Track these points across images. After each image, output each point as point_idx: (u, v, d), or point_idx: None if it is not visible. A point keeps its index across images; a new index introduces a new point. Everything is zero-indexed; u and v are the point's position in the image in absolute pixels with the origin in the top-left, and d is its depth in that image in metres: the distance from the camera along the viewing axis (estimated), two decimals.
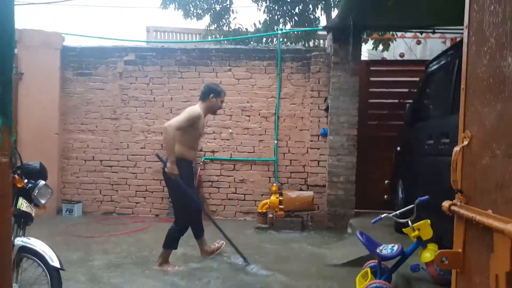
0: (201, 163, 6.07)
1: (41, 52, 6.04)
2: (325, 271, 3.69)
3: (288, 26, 9.79)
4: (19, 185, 2.50)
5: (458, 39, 6.02)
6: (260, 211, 5.34)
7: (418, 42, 6.93)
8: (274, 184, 5.63)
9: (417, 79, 5.53)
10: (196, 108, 3.78)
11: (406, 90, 5.84)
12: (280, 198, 5.30)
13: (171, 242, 3.68)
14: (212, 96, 3.82)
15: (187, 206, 3.69)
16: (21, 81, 6.00)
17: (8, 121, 1.40)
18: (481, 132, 0.86)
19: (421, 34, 6.11)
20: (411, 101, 4.96)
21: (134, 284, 3.27)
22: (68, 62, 6.31)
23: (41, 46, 6.03)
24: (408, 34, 6.85)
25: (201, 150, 6.12)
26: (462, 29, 0.99)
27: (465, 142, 0.91)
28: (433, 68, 4.07)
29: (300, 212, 5.37)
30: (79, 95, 6.33)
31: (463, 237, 0.93)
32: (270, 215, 5.33)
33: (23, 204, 2.49)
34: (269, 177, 6.03)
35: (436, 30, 5.54)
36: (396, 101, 5.81)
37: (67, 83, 6.33)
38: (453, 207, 0.93)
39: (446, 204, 0.96)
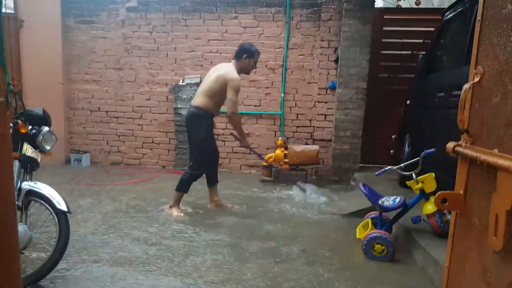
0: None
1: None
2: (326, 221, 3.76)
3: None
4: (23, 131, 2.51)
5: None
6: (265, 164, 5.37)
7: None
8: (280, 138, 5.61)
9: (433, 29, 5.28)
10: (234, 73, 3.77)
11: (421, 40, 5.59)
12: (285, 151, 5.31)
13: (183, 185, 3.82)
14: (245, 56, 3.81)
15: (203, 153, 3.83)
16: (22, 28, 5.87)
17: (1, 58, 1.35)
18: (494, 67, 0.80)
19: None
20: (424, 52, 4.78)
21: (139, 229, 3.37)
22: (69, 9, 6.11)
23: None
24: None
25: None
26: None
27: (476, 79, 0.85)
28: (449, 16, 3.86)
29: (305, 166, 5.39)
30: (82, 44, 6.20)
31: (466, 178, 0.89)
32: (275, 169, 5.36)
33: (28, 150, 2.51)
34: (275, 131, 6.00)
35: None
36: (409, 52, 5.59)
37: (69, 31, 6.18)
38: (457, 148, 0.89)
39: (450, 145, 0.92)
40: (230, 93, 3.67)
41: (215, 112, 3.88)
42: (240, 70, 3.86)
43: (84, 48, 6.20)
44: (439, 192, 0.91)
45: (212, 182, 4.10)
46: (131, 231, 3.31)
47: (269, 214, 3.94)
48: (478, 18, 0.87)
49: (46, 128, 2.62)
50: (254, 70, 4.16)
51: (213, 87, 3.74)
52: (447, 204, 0.92)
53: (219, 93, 3.73)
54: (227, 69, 3.80)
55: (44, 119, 2.71)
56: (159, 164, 6.32)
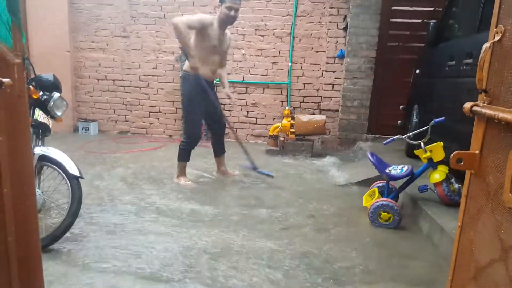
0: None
1: None
2: (332, 190, 3.81)
3: None
4: (34, 96, 2.52)
5: None
6: (271, 134, 5.39)
7: None
8: (286, 108, 5.60)
9: None
10: (202, 14, 3.54)
11: (432, 8, 5.45)
12: (292, 121, 5.31)
13: (181, 155, 3.86)
14: (218, 5, 3.58)
15: (192, 120, 3.76)
16: None
17: (17, 19, 1.35)
18: None
19: None
20: (435, 21, 4.67)
21: (148, 194, 3.44)
22: None
23: None
24: None
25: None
26: None
27: (497, 38, 0.85)
28: None
29: (311, 136, 5.40)
30: (88, 11, 6.11)
31: (482, 138, 0.91)
32: (281, 139, 5.38)
33: (40, 115, 2.53)
34: (282, 101, 5.98)
35: None
36: (420, 20, 5.46)
37: None
38: (474, 108, 0.90)
39: (467, 105, 0.92)
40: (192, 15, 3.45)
41: (202, 70, 3.58)
42: (220, 21, 3.56)
43: (90, 15, 6.12)
44: (454, 152, 0.93)
45: (218, 153, 4.15)
46: (143, 199, 3.39)
47: (277, 181, 4.00)
48: None
49: (57, 94, 2.64)
50: (231, 18, 3.58)
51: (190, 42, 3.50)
52: (462, 163, 0.94)
53: (197, 40, 3.51)
54: None
55: (55, 85, 2.71)
56: (165, 134, 6.36)
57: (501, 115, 0.78)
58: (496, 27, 0.87)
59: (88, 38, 6.21)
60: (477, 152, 0.93)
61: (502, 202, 0.82)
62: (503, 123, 0.80)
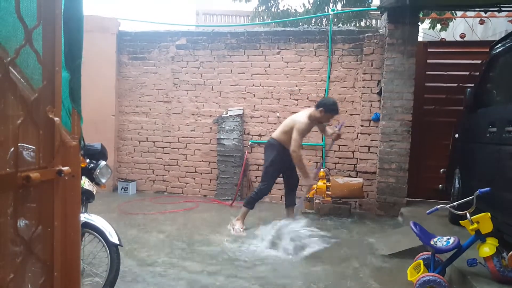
0: (248, 147, 6.13)
1: (99, 37, 6.31)
2: (374, 261, 3.62)
3: (339, 6, 9.48)
4: (82, 165, 2.66)
5: None
6: (307, 196, 5.32)
7: (482, 22, 6.39)
8: (322, 170, 5.56)
9: (478, 61, 5.14)
10: (303, 117, 4.30)
11: (467, 73, 5.45)
12: (328, 184, 5.24)
13: (249, 202, 4.43)
14: (321, 110, 4.27)
15: (268, 174, 4.41)
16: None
17: (78, 106, 1.49)
18: None
19: (485, 13, 5.64)
20: (471, 85, 4.64)
21: (183, 259, 3.41)
22: (124, 46, 6.56)
23: (98, 31, 6.29)
24: (470, 13, 6.34)
25: (248, 134, 6.18)
26: None
27: None
28: (499, 49, 3.76)
29: (348, 199, 5.28)
30: (134, 79, 6.58)
31: None
32: (317, 201, 5.29)
33: (85, 183, 2.65)
34: (317, 162, 5.96)
35: (502, 8, 5.09)
36: (455, 84, 5.45)
37: (123, 67, 6.60)
38: None
39: None
40: (294, 133, 4.20)
41: (287, 145, 4.31)
42: (314, 119, 4.32)
43: (135, 82, 6.58)
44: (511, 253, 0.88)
45: (288, 203, 4.63)
46: (179, 262, 3.36)
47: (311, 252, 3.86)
48: None
49: (103, 163, 2.77)
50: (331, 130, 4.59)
51: (286, 125, 4.39)
52: None
53: (290, 132, 4.28)
54: (300, 114, 4.43)
55: (102, 153, 2.86)
56: (200, 193, 6.43)
57: None
58: None
59: (132, 103, 6.62)
60: None
61: None
62: None
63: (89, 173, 2.71)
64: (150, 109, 6.55)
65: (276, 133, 4.50)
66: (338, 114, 4.68)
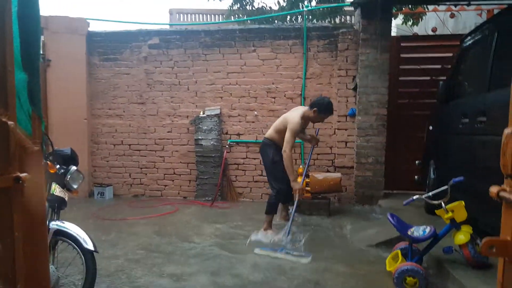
0: (227, 146, 6.09)
1: (67, 38, 6.12)
2: (353, 253, 3.65)
3: (313, 3, 9.53)
4: (51, 171, 2.56)
5: (495, 11, 5.67)
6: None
7: (452, 16, 6.57)
8: (300, 166, 5.57)
9: (450, 54, 5.26)
10: (296, 117, 4.15)
11: (439, 66, 5.57)
12: (307, 180, 5.25)
13: (270, 208, 4.29)
14: (315, 110, 4.18)
15: (274, 175, 4.29)
16: (49, 67, 6.14)
17: (37, 109, 1.41)
18: None
19: (455, 7, 5.78)
20: (444, 78, 4.74)
21: (168, 264, 3.35)
22: (94, 47, 6.38)
23: (67, 32, 6.11)
24: (441, 7, 6.50)
25: (226, 133, 6.13)
26: None
27: None
28: (468, 42, 3.85)
29: (327, 194, 5.31)
30: (106, 80, 6.42)
31: None
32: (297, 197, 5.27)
33: (56, 189, 2.55)
34: (295, 159, 5.96)
35: (471, 2, 5.23)
36: (428, 78, 5.56)
37: (94, 69, 6.42)
38: (502, 193, 0.86)
39: (494, 190, 0.89)
40: (287, 133, 4.12)
41: (280, 143, 4.24)
42: (307, 118, 4.26)
43: (108, 84, 6.42)
44: (486, 239, 0.88)
45: (283, 201, 4.57)
46: (158, 268, 3.29)
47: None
48: None
49: (74, 168, 2.67)
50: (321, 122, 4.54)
51: (279, 124, 4.33)
52: (494, 250, 0.88)
53: (283, 130, 4.21)
54: (293, 113, 4.29)
55: (72, 158, 2.76)
56: (180, 195, 6.34)
57: None
58: None
59: (105, 106, 6.45)
60: (508, 238, 0.88)
61: None
62: None
63: (59, 179, 2.61)
64: (124, 111, 6.41)
65: (269, 133, 4.45)
66: (332, 115, 4.60)
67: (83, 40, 6.23)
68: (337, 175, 5.27)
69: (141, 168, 6.42)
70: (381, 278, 3.07)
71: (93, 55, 6.39)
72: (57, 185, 2.57)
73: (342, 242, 4.01)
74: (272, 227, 4.27)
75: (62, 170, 2.62)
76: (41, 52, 6.15)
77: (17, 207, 1.11)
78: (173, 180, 6.37)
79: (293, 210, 4.19)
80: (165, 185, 6.40)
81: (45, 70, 6.11)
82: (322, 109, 4.16)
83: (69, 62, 6.16)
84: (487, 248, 0.88)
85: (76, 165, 2.74)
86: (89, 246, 2.43)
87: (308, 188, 5.20)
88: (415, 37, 6.15)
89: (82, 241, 2.43)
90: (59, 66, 6.14)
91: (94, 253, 2.45)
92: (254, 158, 6.06)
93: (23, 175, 1.09)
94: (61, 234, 2.46)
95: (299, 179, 5.25)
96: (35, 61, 1.38)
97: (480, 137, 3.05)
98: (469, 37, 3.87)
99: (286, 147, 4.07)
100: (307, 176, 5.30)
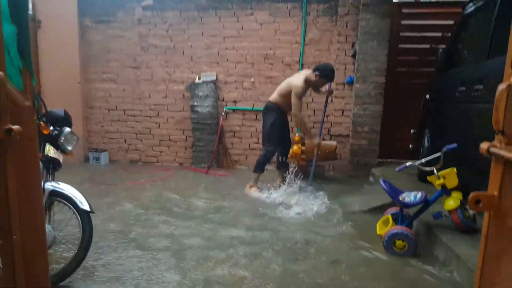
0: (223, 113, 6.05)
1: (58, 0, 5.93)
2: (345, 218, 3.73)
3: None
4: (45, 132, 2.54)
5: None
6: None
7: None
8: (297, 134, 5.56)
9: (452, 22, 5.16)
10: (299, 81, 4.31)
11: (440, 34, 5.47)
12: (303, 147, 5.27)
13: (258, 167, 4.60)
14: (316, 74, 4.34)
15: (270, 136, 4.52)
16: (40, 29, 5.98)
17: (28, 63, 1.38)
18: None
19: None
20: (444, 46, 4.68)
21: (161, 225, 3.41)
22: (86, 9, 6.17)
23: None
24: None
25: (223, 100, 6.08)
26: None
27: None
28: (470, 9, 3.76)
29: (322, 161, 5.34)
30: (99, 43, 6.27)
31: (500, 180, 0.87)
32: (292, 164, 5.32)
33: (50, 150, 2.54)
34: (292, 127, 5.95)
35: None
36: (428, 46, 5.48)
37: (86, 31, 6.25)
38: (492, 149, 0.87)
39: (484, 146, 0.89)
40: (292, 97, 4.30)
41: (284, 108, 4.52)
42: (309, 82, 4.38)
43: (101, 47, 6.27)
44: (472, 193, 0.89)
45: (279, 166, 4.83)
46: (154, 229, 3.35)
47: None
48: None
49: (67, 129, 2.65)
50: (324, 88, 4.76)
51: (283, 89, 4.49)
52: (481, 205, 0.90)
53: (287, 95, 4.40)
54: (296, 77, 4.43)
55: (66, 120, 2.74)
56: (176, 162, 6.37)
57: None
58: (511, 68, 0.85)
59: (99, 70, 6.34)
60: (495, 193, 0.89)
61: None
62: None
63: (53, 140, 2.59)
64: (118, 75, 6.31)
65: (273, 96, 4.57)
66: (333, 81, 4.78)
67: (74, 1, 6.02)
68: (333, 143, 5.28)
69: (137, 134, 6.41)
70: (371, 240, 3.13)
71: (85, 17, 6.20)
72: (51, 147, 2.56)
73: (334, 206, 4.08)
74: (258, 185, 4.60)
75: (56, 132, 2.60)
76: (30, 12, 5.97)
77: (11, 159, 1.10)
78: (169, 147, 6.38)
79: (314, 161, 4.64)
80: (161, 152, 6.41)
81: (36, 31, 5.95)
82: (323, 74, 4.32)
83: (61, 24, 6.00)
84: (474, 202, 0.90)
85: (70, 126, 2.71)
86: (85, 206, 2.44)
87: (303, 156, 5.23)
88: (417, 3, 5.99)
89: (77, 201, 2.45)
90: (50, 30, 5.98)
91: (90, 214, 2.48)
92: (250, 126, 6.05)
93: (15, 127, 1.07)
94: (57, 194, 2.46)
95: (296, 146, 5.30)
96: (23, 12, 1.33)
97: (476, 105, 3.04)
98: (471, 3, 3.78)
99: (295, 110, 4.28)
100: (303, 144, 5.33)
